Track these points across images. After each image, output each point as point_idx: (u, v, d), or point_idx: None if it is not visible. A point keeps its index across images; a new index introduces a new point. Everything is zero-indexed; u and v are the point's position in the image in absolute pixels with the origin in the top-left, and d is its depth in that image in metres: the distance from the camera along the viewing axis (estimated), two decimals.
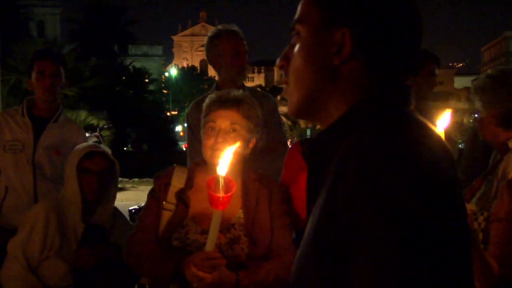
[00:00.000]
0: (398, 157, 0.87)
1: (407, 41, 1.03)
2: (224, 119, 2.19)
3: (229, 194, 1.81)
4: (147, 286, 2.31)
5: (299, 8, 1.09)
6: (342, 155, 0.92)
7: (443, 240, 0.86)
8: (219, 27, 3.35)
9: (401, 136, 0.92)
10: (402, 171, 0.86)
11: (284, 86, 1.13)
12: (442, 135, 1.60)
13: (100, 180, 2.71)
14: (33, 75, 3.28)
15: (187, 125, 3.32)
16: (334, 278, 0.90)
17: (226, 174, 1.78)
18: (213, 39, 3.26)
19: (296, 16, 1.09)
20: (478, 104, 2.41)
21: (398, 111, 1.00)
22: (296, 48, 1.07)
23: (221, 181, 1.77)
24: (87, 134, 4.35)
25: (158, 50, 64.61)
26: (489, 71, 2.47)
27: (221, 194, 1.78)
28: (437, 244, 0.85)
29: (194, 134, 3.12)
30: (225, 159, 1.75)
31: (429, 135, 0.96)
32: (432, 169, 0.89)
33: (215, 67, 3.33)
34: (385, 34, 1.00)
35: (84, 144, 2.96)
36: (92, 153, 2.74)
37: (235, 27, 3.28)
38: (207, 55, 3.33)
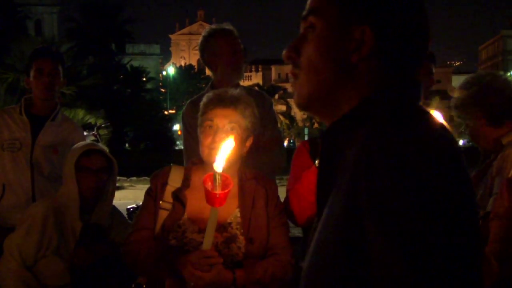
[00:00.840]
0: (424, 148, 0.89)
1: (420, 38, 1.04)
2: (222, 118, 2.19)
3: (226, 191, 1.81)
4: (144, 286, 2.32)
5: None
6: (362, 145, 0.92)
7: (472, 232, 0.88)
8: (213, 26, 3.33)
9: (421, 129, 0.94)
10: (429, 161, 0.87)
11: (291, 78, 1.10)
12: None
13: (98, 178, 2.71)
14: (32, 73, 3.27)
15: (183, 124, 3.29)
16: (355, 270, 0.89)
17: (223, 172, 1.78)
18: (208, 39, 3.23)
19: (309, 6, 1.07)
20: (464, 119, 2.53)
21: (412, 105, 1.01)
22: (311, 40, 1.05)
23: (218, 178, 1.77)
24: (85, 133, 4.34)
25: (156, 49, 64.40)
26: (456, 90, 2.61)
27: (217, 191, 1.78)
28: (468, 235, 0.87)
29: (190, 133, 3.11)
30: (222, 155, 1.75)
31: (440, 129, 0.98)
32: (453, 161, 0.91)
33: (210, 67, 3.29)
34: (403, 32, 1.01)
35: (82, 143, 2.96)
36: (90, 151, 2.74)
37: (229, 26, 3.26)
38: (202, 54, 3.30)
